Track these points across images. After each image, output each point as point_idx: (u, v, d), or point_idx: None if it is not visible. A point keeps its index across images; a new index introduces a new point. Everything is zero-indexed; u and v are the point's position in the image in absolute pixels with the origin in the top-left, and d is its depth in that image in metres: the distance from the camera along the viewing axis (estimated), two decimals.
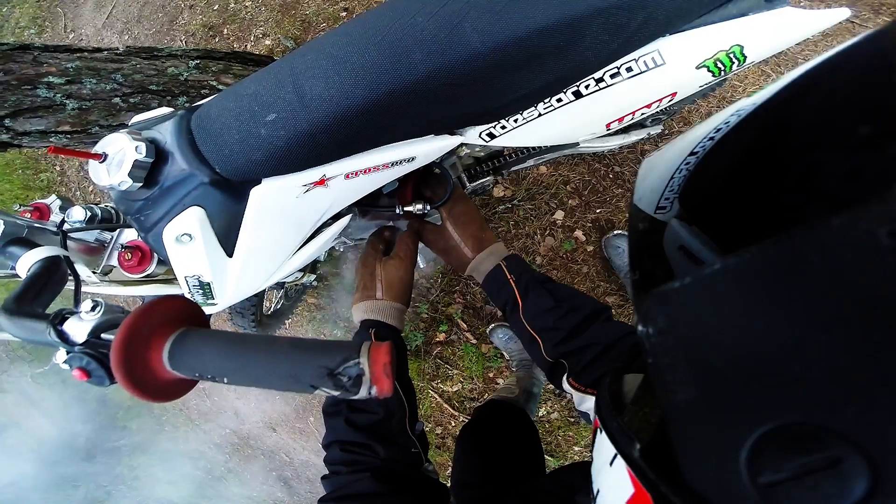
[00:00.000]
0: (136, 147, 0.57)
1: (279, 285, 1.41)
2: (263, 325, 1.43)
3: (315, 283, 1.52)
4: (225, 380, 0.38)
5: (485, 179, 1.10)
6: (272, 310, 1.56)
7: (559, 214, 1.44)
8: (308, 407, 2.27)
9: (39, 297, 0.49)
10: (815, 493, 0.21)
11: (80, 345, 0.42)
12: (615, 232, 1.40)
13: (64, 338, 0.42)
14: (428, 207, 0.87)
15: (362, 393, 0.36)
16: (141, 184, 0.59)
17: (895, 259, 0.16)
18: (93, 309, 0.43)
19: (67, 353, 0.42)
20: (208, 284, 0.69)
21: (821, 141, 0.23)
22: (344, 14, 1.35)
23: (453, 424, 1.97)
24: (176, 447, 3.13)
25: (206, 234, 0.62)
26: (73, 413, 3.07)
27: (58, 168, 2.36)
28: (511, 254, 0.79)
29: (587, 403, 0.67)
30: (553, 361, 0.72)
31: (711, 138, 0.31)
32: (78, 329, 0.43)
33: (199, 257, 0.64)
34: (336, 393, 0.36)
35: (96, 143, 0.61)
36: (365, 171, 0.68)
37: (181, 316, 0.40)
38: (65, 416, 3.08)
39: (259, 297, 1.31)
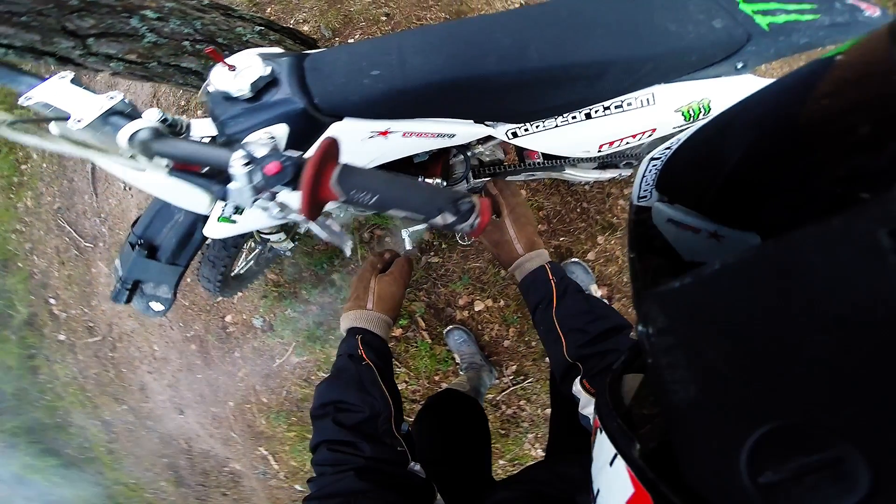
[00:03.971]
0: (265, 66, 0.68)
1: (263, 241, 1.43)
2: (227, 284, 1.43)
3: (288, 254, 1.54)
4: (375, 199, 0.48)
5: (485, 179, 1.26)
6: (237, 272, 1.55)
7: None
8: (232, 392, 2.17)
9: None
10: (815, 494, 0.21)
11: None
12: (573, 259, 1.61)
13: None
14: (444, 184, 1.02)
15: (469, 221, 0.48)
16: (251, 95, 0.69)
17: (895, 259, 0.16)
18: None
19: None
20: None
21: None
22: (384, 18, 1.49)
23: None
24: (53, 420, 2.79)
25: (280, 146, 0.72)
26: None
27: None
28: (553, 261, 0.86)
29: (591, 408, 0.67)
30: (571, 363, 0.74)
31: (668, 147, 0.36)
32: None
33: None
34: (453, 218, 0.47)
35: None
36: (418, 135, 0.82)
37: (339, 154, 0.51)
38: None
39: (237, 249, 1.33)
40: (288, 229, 1.36)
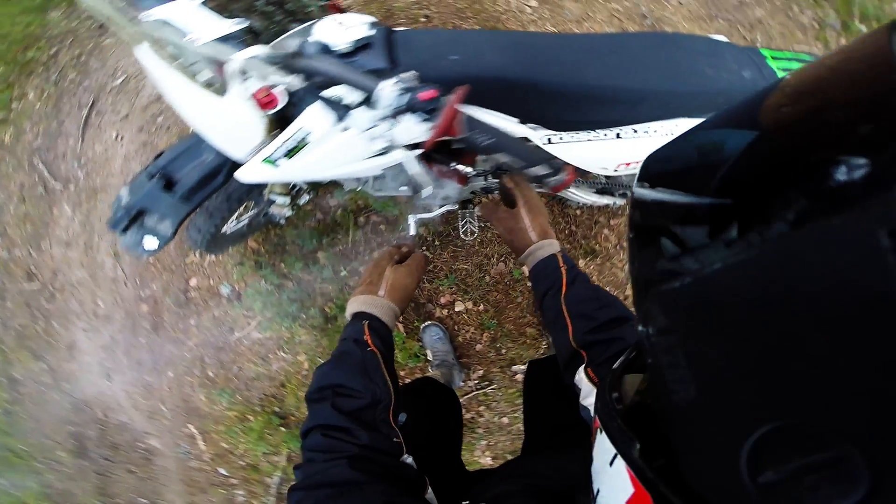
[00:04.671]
0: (370, 30, 0.78)
1: (264, 203, 1.42)
2: (214, 241, 1.40)
3: (283, 221, 1.54)
4: (491, 141, 0.55)
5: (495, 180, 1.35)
6: (225, 232, 1.53)
7: None
8: (176, 362, 2.04)
9: None
10: (815, 494, 0.21)
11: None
12: None
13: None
14: (473, 172, 1.09)
15: (559, 176, 0.56)
16: (349, 51, 0.77)
17: (895, 259, 0.16)
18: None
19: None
20: (303, 143, 0.82)
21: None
22: (423, 20, 1.59)
23: None
24: None
25: (332, 115, 0.78)
26: None
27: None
28: (564, 251, 0.89)
29: (592, 398, 0.67)
30: (575, 350, 0.75)
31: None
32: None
33: (326, 118, 0.78)
34: (547, 171, 0.55)
35: None
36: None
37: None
38: None
39: (239, 205, 1.32)
40: (294, 195, 1.36)
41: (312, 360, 1.88)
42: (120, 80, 2.00)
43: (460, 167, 1.07)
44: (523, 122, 0.96)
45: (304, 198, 1.54)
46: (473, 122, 0.65)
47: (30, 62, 2.10)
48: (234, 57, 0.70)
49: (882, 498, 0.20)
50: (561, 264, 0.83)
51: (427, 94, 0.64)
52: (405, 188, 1.16)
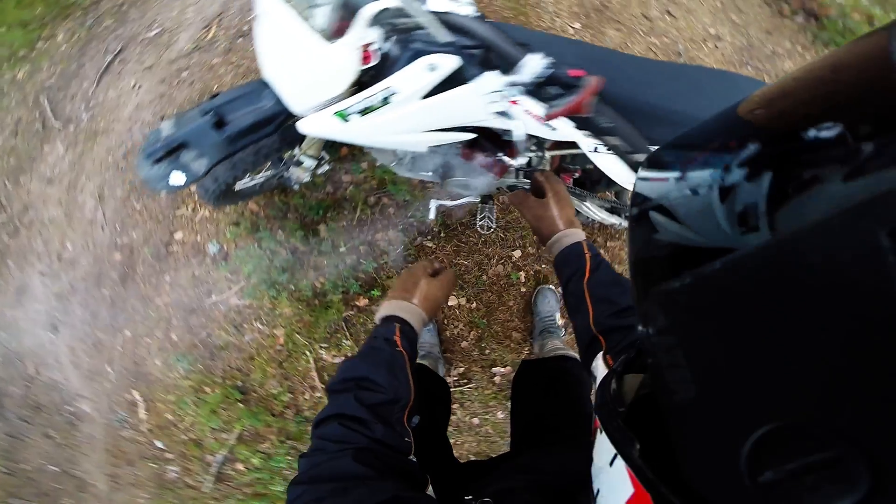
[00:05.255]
0: (472, 9, 0.84)
1: (287, 164, 1.42)
2: (226, 193, 1.39)
3: (296, 187, 1.53)
4: (611, 125, 0.64)
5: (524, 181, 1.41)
6: (238, 188, 1.51)
7: (517, 253, 1.77)
8: (138, 320, 1.92)
9: None
10: (815, 493, 0.21)
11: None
12: (549, 286, 1.76)
13: None
14: (515, 166, 1.15)
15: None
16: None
17: (895, 259, 0.16)
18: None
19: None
20: (384, 103, 0.87)
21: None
22: None
23: (306, 397, 1.86)
24: None
25: (441, 74, 0.84)
26: None
27: None
28: (589, 240, 0.91)
29: None
30: (594, 335, 0.76)
31: None
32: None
33: (416, 83, 0.84)
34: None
35: None
36: (534, 116, 0.91)
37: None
38: None
39: (265, 160, 1.33)
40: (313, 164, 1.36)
41: (289, 336, 1.81)
42: (154, 32, 2.01)
43: (505, 158, 1.11)
44: (579, 128, 0.99)
45: (324, 167, 1.56)
46: (599, 107, 0.76)
47: (71, 5, 2.09)
48: (377, 4, 0.75)
49: (882, 498, 0.20)
50: (586, 251, 0.86)
51: (577, 71, 0.74)
52: (431, 174, 1.20)
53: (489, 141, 1.09)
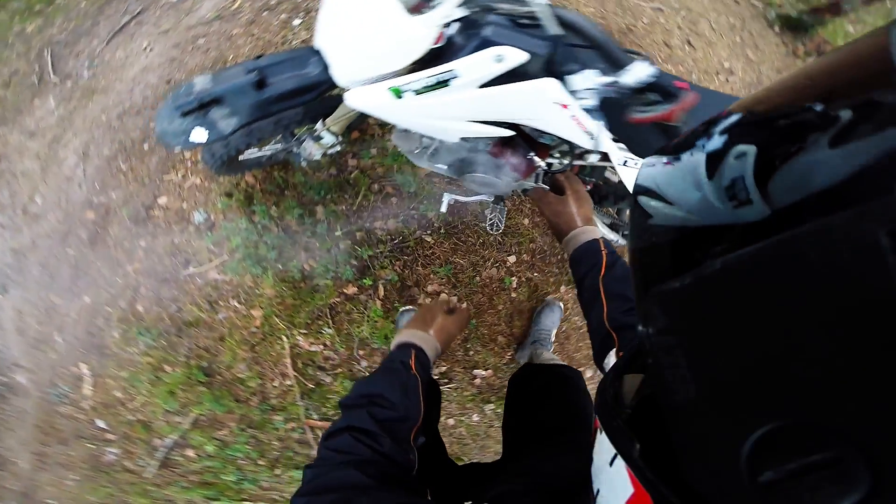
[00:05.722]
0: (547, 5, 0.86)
1: (300, 140, 1.39)
2: (230, 160, 1.36)
3: (304, 163, 1.49)
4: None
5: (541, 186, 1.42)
6: (245, 156, 1.47)
7: (512, 258, 1.77)
8: (102, 285, 1.78)
9: None
10: (815, 494, 0.21)
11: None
12: (558, 302, 1.77)
13: None
14: (543, 167, 1.17)
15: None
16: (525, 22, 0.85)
17: (895, 259, 0.16)
18: None
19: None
20: (442, 84, 0.87)
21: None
22: None
23: (275, 385, 1.75)
24: None
25: (505, 67, 0.84)
26: None
27: None
28: (606, 238, 0.93)
29: None
30: (608, 331, 0.77)
31: None
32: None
33: (479, 70, 0.85)
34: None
35: None
36: (577, 122, 0.93)
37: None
38: None
39: (285, 131, 1.31)
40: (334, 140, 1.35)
41: (267, 318, 1.72)
42: None
43: (536, 158, 1.11)
44: (614, 139, 1.00)
45: (335, 148, 1.54)
46: (686, 118, 0.80)
47: None
48: None
49: (882, 498, 0.20)
50: (602, 248, 0.87)
51: (682, 83, 0.80)
52: (447, 167, 1.20)
53: (525, 139, 1.10)
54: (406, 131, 1.18)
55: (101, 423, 1.73)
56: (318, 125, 1.29)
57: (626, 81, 0.82)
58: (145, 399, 1.72)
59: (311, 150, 1.37)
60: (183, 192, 1.79)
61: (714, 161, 0.27)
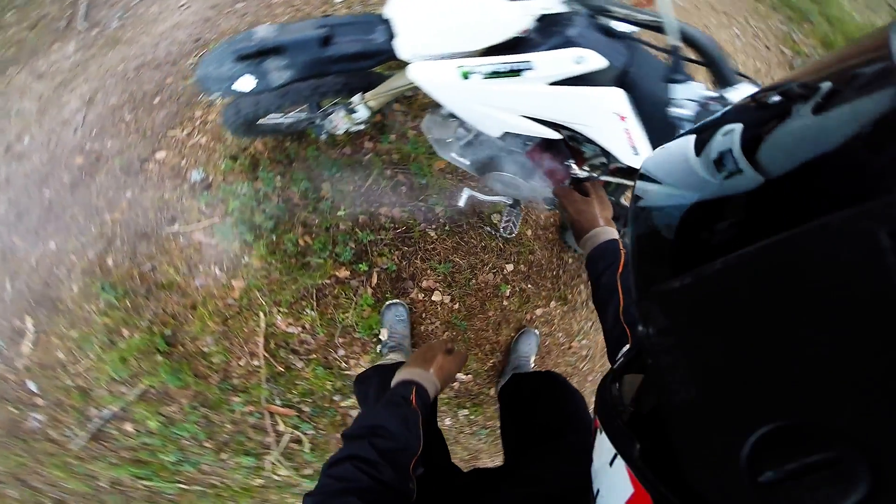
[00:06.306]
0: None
1: (328, 114, 1.38)
2: (251, 123, 1.33)
3: (325, 136, 1.47)
4: None
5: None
6: (265, 121, 1.44)
7: (510, 266, 1.71)
8: (73, 232, 1.64)
9: None
10: (815, 494, 0.21)
11: None
12: (534, 329, 1.72)
13: None
14: (577, 175, 1.15)
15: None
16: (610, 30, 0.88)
17: (895, 259, 0.16)
18: None
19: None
20: (513, 73, 0.87)
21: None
22: None
23: (241, 364, 1.58)
24: None
25: (583, 69, 0.84)
26: None
27: None
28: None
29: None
30: (622, 329, 0.77)
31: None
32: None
33: (556, 67, 0.84)
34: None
35: None
36: (628, 136, 0.92)
37: None
38: None
39: (315, 102, 1.30)
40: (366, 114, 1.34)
41: (247, 291, 1.59)
42: None
43: (574, 165, 1.11)
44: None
45: (360, 126, 1.52)
46: None
47: None
48: None
49: (882, 498, 0.19)
50: (622, 248, 0.89)
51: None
52: (469, 163, 1.19)
53: (567, 146, 1.10)
54: (445, 117, 1.17)
55: (32, 386, 1.52)
56: (356, 98, 1.28)
57: (731, 98, 0.81)
58: (91, 364, 1.53)
59: (338, 123, 1.34)
60: (184, 150, 1.72)
61: (703, 140, 0.28)
